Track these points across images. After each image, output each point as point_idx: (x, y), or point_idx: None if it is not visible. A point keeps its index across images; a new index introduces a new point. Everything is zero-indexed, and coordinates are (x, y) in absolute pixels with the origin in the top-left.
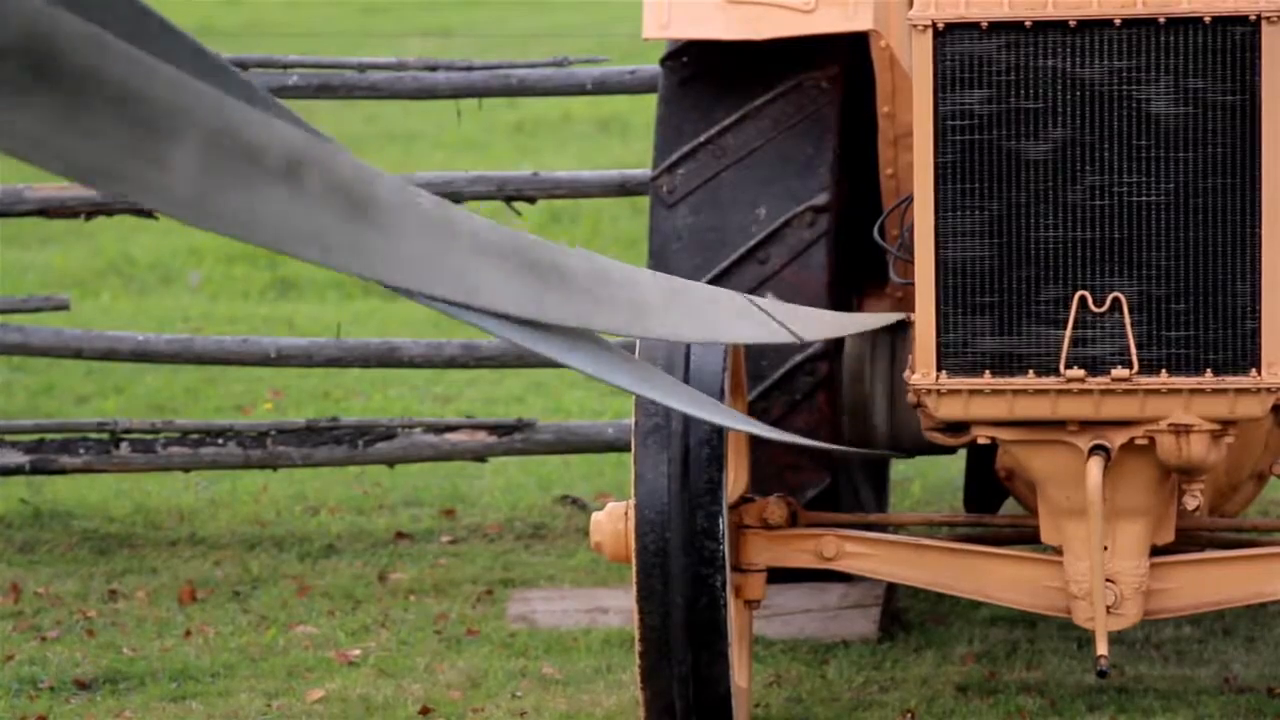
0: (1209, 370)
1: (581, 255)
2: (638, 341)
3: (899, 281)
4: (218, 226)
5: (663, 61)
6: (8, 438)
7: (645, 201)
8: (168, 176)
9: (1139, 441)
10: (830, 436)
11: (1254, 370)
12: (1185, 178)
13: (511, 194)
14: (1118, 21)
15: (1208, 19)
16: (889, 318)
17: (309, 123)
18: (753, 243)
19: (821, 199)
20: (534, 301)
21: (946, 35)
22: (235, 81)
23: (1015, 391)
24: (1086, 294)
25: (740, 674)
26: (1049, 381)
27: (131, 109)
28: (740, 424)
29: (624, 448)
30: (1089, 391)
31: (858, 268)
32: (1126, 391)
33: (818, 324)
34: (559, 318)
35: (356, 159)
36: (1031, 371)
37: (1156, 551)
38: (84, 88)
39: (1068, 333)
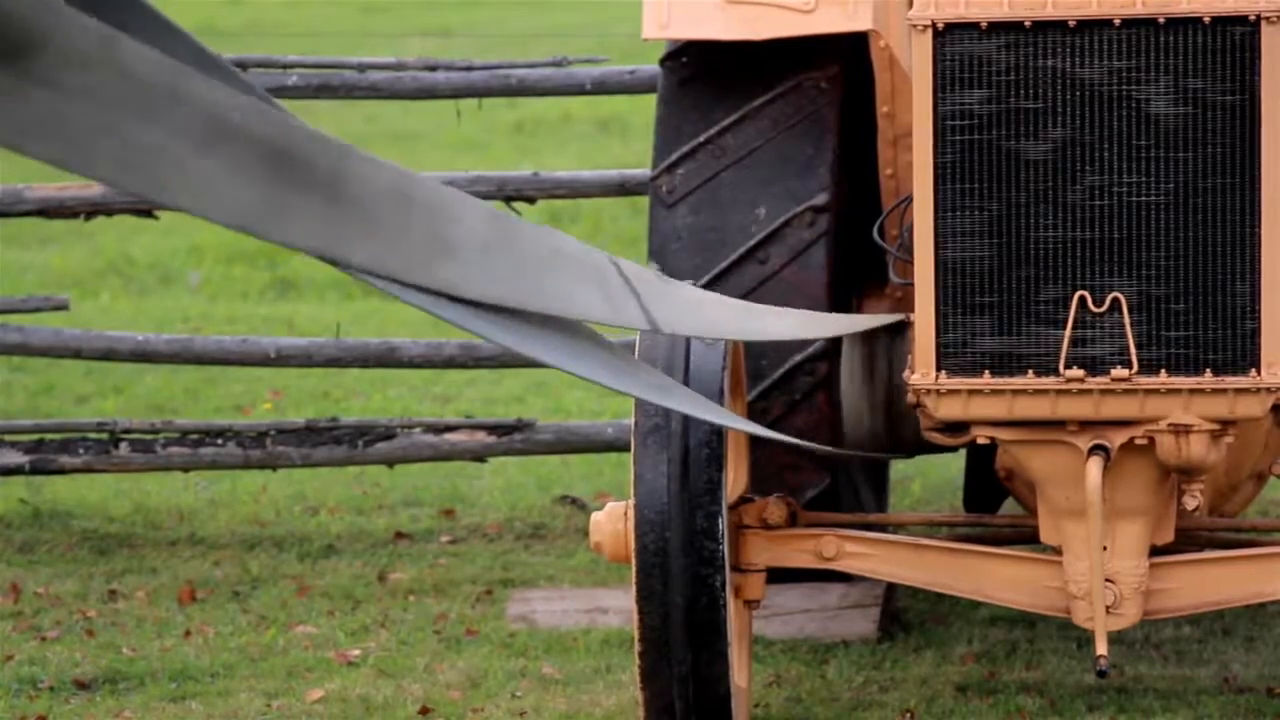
0: (1208, 370)
1: (377, 165)
2: (637, 339)
3: (899, 282)
4: None
5: (662, 61)
6: (7, 438)
7: (645, 201)
8: None
9: (1139, 441)
10: (830, 437)
11: (1253, 370)
12: (1185, 178)
13: (511, 194)
14: (1117, 21)
15: (1207, 19)
16: (781, 327)
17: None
18: (752, 243)
19: (821, 199)
20: (266, 210)
21: (946, 35)
22: (223, 70)
23: (1015, 391)
24: (1086, 294)
25: (740, 674)
26: (1048, 381)
27: None
28: (722, 417)
29: (624, 448)
30: (1088, 391)
31: (857, 268)
32: (1126, 391)
33: (687, 318)
34: (300, 239)
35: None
36: (1031, 371)
37: (1156, 551)
38: None
39: (1067, 333)
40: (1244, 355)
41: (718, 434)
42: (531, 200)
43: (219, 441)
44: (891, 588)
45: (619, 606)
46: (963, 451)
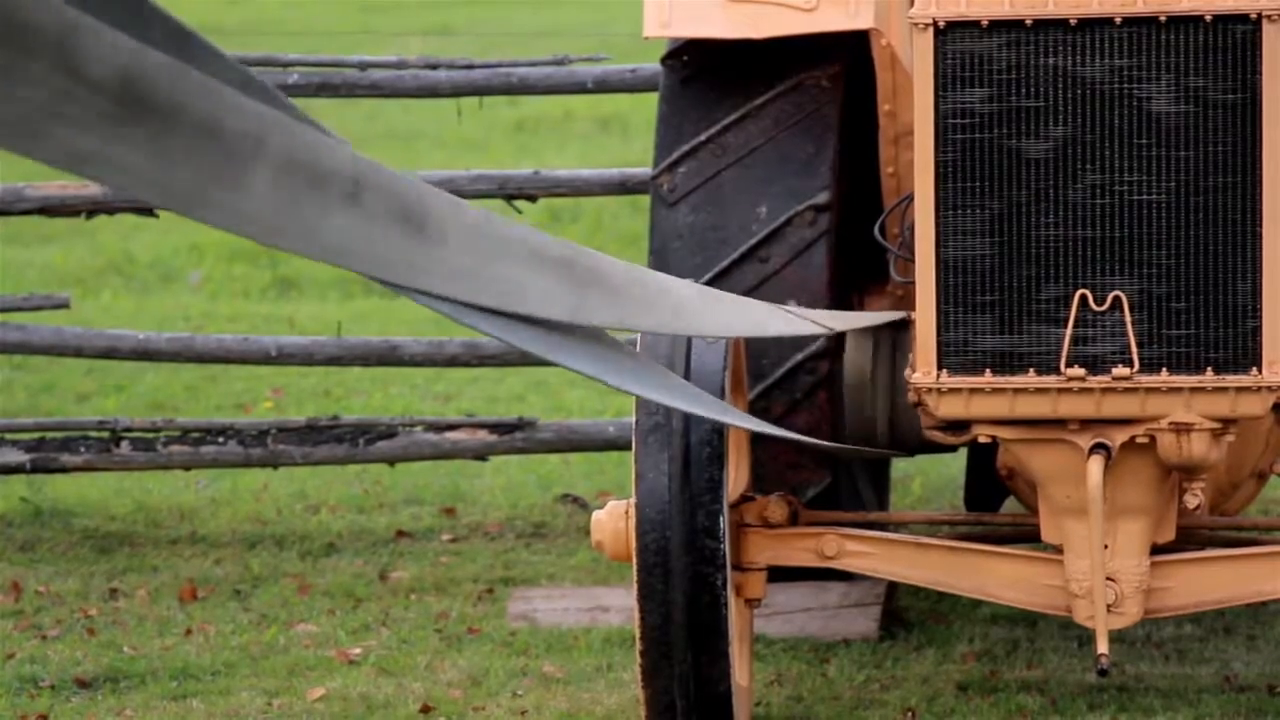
0: (1210, 369)
1: (612, 261)
2: (639, 338)
3: (900, 280)
4: (283, 244)
5: (664, 60)
6: (8, 436)
7: (646, 200)
8: (246, 200)
9: (1140, 440)
10: (831, 436)
11: (1255, 369)
12: (1186, 176)
13: (512, 192)
14: (1118, 20)
15: (1208, 17)
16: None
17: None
18: (753, 241)
19: (822, 198)
20: (578, 305)
21: (947, 33)
22: (265, 91)
23: (1016, 390)
24: (1087, 292)
25: (741, 673)
26: (1050, 380)
27: (213, 138)
28: (738, 420)
29: (625, 446)
30: (1090, 390)
31: (858, 267)
32: (1127, 390)
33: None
34: (603, 320)
35: (404, 175)
36: (1032, 370)
37: (1157, 550)
38: (171, 119)
39: (1068, 331)
40: (1245, 354)
41: (719, 432)
42: (532, 199)
43: (220, 440)
44: (892, 586)
45: (620, 605)
46: (963, 450)
